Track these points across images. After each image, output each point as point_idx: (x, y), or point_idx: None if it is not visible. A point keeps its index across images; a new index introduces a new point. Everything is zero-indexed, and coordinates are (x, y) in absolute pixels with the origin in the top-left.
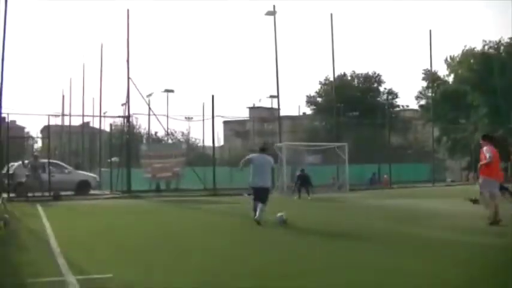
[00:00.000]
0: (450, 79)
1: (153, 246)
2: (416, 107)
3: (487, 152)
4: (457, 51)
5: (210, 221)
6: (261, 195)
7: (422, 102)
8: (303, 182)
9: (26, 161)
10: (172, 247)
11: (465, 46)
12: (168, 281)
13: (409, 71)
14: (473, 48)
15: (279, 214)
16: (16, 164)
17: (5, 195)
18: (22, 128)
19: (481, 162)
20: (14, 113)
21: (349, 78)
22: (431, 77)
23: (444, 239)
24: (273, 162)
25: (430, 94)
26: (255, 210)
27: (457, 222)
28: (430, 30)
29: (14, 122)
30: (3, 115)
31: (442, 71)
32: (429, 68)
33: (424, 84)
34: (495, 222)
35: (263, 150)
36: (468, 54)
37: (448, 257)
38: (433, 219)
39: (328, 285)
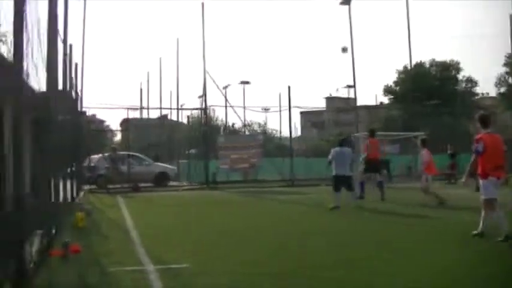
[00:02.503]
0: None
1: (230, 238)
2: (496, 94)
3: None
4: None
5: (287, 212)
6: (343, 183)
7: (503, 89)
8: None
9: (106, 154)
10: (250, 239)
11: None
12: (243, 273)
13: (490, 57)
14: None
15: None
16: (97, 156)
17: (86, 187)
18: (102, 122)
19: None
20: (94, 107)
21: (427, 66)
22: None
23: None
24: (351, 153)
25: (511, 80)
26: (337, 199)
27: None
28: (511, 15)
29: (94, 115)
30: (83, 109)
31: None
32: (510, 53)
33: (506, 70)
34: None
35: (341, 143)
36: None
37: None
38: None
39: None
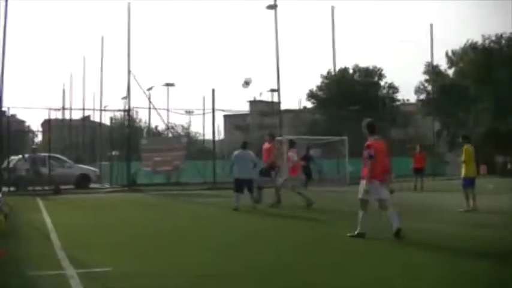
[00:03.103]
0: (450, 73)
1: (153, 240)
2: (416, 101)
3: None
4: (458, 45)
5: (209, 214)
6: (244, 185)
7: (422, 96)
8: (306, 166)
9: (26, 155)
10: (172, 240)
11: (467, 40)
12: (167, 274)
13: (410, 64)
14: (475, 42)
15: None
16: (16, 157)
17: (5, 189)
18: (23, 122)
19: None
20: (15, 106)
21: (351, 72)
22: (432, 70)
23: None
24: (253, 156)
25: (430, 88)
26: (236, 198)
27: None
28: (431, 24)
29: (14, 115)
30: (3, 109)
31: (443, 65)
32: (430, 62)
33: (425, 78)
34: None
35: (244, 146)
36: (469, 48)
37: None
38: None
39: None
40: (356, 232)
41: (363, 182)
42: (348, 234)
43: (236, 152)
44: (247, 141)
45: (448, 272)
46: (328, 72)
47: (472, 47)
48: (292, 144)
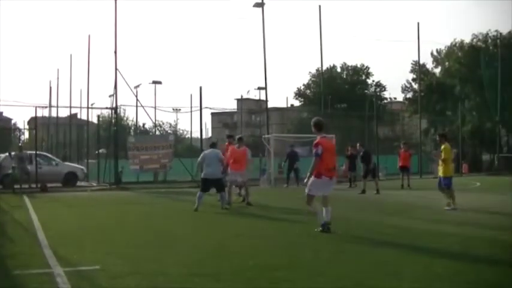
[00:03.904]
0: (437, 71)
1: (141, 238)
2: (403, 99)
3: None
4: (445, 44)
5: (197, 213)
6: (212, 184)
7: (409, 95)
8: (292, 164)
9: (13, 153)
10: (160, 238)
11: (454, 39)
12: (155, 272)
13: (397, 63)
14: (462, 41)
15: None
16: (2, 155)
17: None
18: (9, 120)
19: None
20: (1, 104)
21: (338, 70)
22: (419, 69)
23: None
24: (221, 155)
25: (417, 86)
26: (199, 199)
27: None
28: (418, 23)
29: (0, 113)
30: None
31: (430, 63)
32: (417, 60)
33: (413, 76)
34: None
35: (212, 145)
36: (455, 47)
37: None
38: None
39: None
40: (320, 228)
41: (312, 178)
42: (316, 229)
43: (206, 152)
44: (216, 142)
45: (424, 270)
46: (317, 70)
47: (459, 46)
48: (240, 140)
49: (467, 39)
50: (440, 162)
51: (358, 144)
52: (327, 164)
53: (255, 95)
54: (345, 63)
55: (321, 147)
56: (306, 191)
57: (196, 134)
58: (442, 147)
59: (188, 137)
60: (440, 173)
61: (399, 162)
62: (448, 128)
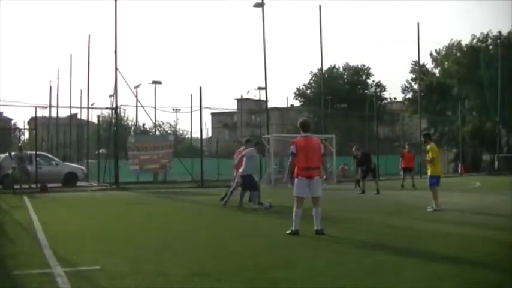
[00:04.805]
0: (437, 72)
1: (141, 238)
2: (403, 99)
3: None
4: (444, 44)
5: (198, 212)
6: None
7: (409, 95)
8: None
9: (13, 153)
10: (160, 239)
11: (451, 40)
12: (155, 273)
13: (397, 63)
14: (460, 41)
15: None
16: (2, 156)
17: None
18: (9, 120)
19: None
20: (1, 104)
21: (340, 70)
22: (419, 69)
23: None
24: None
25: (416, 86)
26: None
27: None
28: (418, 23)
29: (0, 113)
30: None
31: (430, 63)
32: (417, 60)
33: (412, 76)
34: None
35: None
36: (454, 48)
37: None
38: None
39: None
40: (291, 230)
41: (297, 179)
42: (287, 232)
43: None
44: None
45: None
46: (319, 70)
47: (457, 47)
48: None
49: (466, 40)
50: (428, 162)
51: (354, 148)
52: (302, 163)
53: (255, 95)
54: (347, 64)
55: (295, 146)
56: (293, 193)
57: (196, 134)
58: (428, 147)
59: (188, 137)
60: (429, 172)
61: (402, 163)
62: (448, 128)
